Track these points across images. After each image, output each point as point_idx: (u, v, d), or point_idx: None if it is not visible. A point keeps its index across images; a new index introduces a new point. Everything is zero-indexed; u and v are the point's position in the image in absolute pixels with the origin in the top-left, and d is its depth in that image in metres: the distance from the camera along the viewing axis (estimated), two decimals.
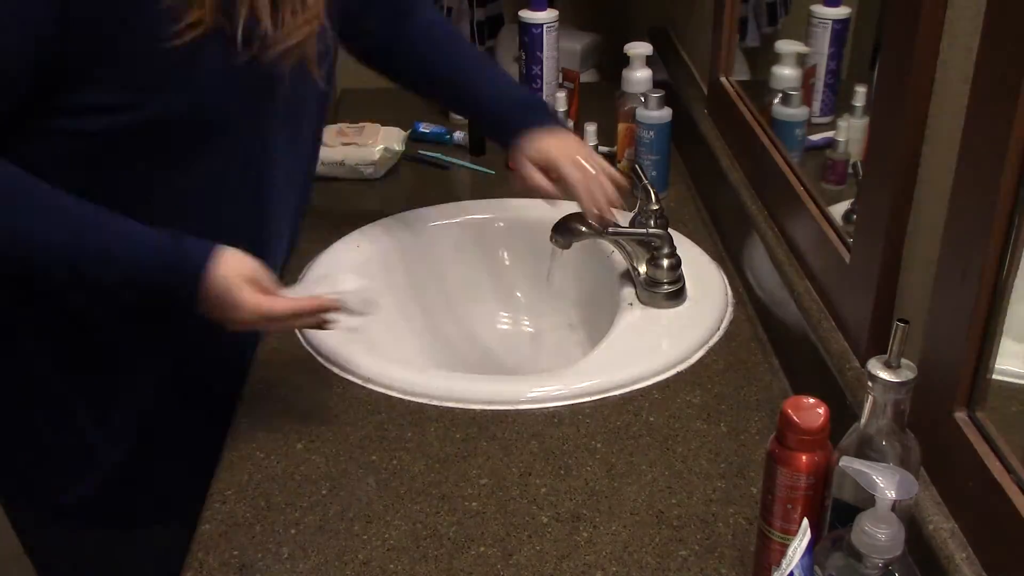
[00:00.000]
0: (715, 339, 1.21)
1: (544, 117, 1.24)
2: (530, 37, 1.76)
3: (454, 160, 1.71)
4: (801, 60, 1.25)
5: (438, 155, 1.73)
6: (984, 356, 0.74)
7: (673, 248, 1.25)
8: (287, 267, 1.35)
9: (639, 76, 1.56)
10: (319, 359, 1.18)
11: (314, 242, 1.41)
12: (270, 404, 1.11)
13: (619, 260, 1.31)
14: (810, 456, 0.75)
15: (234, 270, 0.95)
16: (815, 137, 1.21)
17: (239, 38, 0.93)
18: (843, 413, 0.83)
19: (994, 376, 0.75)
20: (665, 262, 1.24)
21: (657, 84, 1.59)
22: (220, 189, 1.04)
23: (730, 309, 1.26)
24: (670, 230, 1.29)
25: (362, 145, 1.63)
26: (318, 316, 1.00)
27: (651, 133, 1.49)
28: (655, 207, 1.29)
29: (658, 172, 1.52)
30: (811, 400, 0.76)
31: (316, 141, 1.19)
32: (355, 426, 1.07)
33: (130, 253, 0.93)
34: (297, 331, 1.22)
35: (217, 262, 0.94)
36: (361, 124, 1.69)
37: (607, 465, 1.01)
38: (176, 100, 0.94)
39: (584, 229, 1.27)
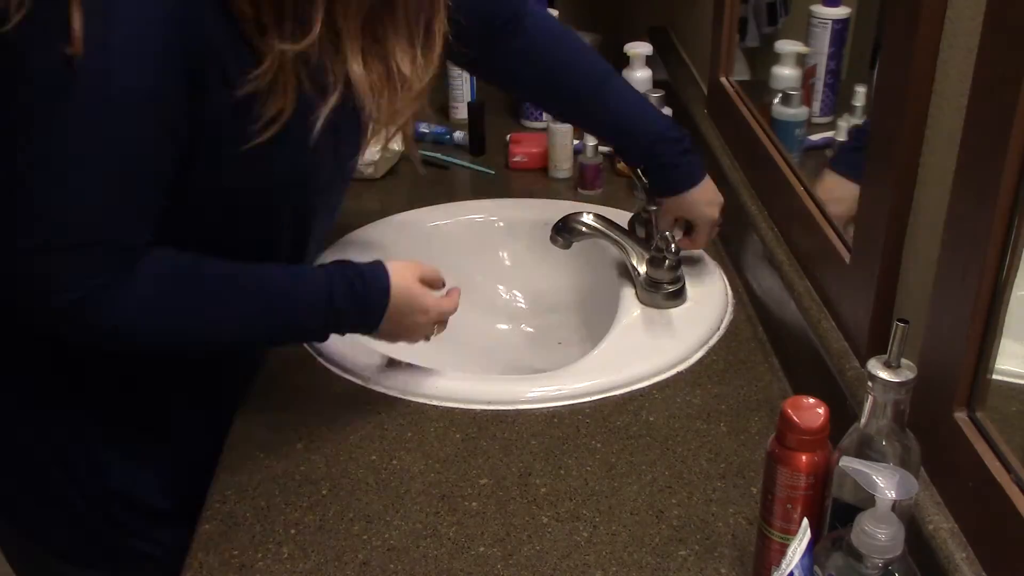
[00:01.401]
0: (715, 339, 1.21)
1: (679, 154, 1.21)
2: None
3: (454, 160, 1.71)
4: (801, 60, 1.25)
5: (438, 155, 1.73)
6: (984, 356, 0.74)
7: (673, 248, 1.25)
8: None
9: (639, 76, 1.57)
10: (319, 359, 1.18)
11: None
12: (270, 404, 1.11)
13: (619, 260, 1.31)
14: (810, 456, 0.75)
15: (410, 276, 1.02)
16: (815, 137, 1.21)
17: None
18: (843, 413, 0.83)
19: (994, 376, 0.75)
20: (665, 262, 1.24)
21: (657, 84, 1.59)
22: (272, 245, 1.03)
23: (730, 309, 1.26)
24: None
25: None
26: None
27: None
28: (655, 207, 1.29)
29: None
30: (811, 400, 0.76)
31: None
32: (355, 426, 1.07)
33: (315, 299, 0.97)
34: None
35: (393, 275, 1.00)
36: None
37: (607, 465, 1.01)
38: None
39: (584, 229, 1.27)
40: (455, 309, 1.08)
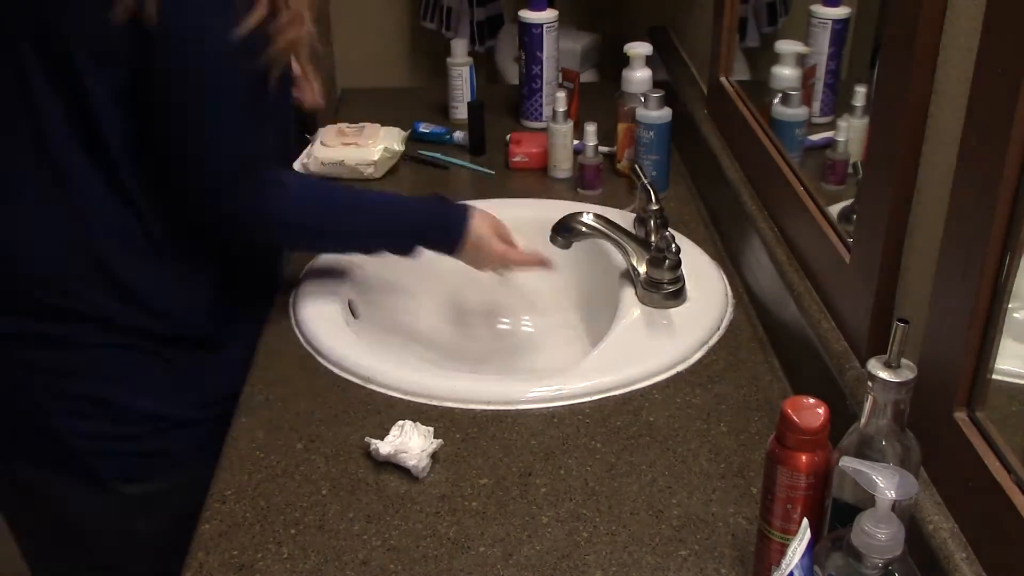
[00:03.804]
0: (715, 339, 1.21)
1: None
2: (530, 37, 1.76)
3: (454, 160, 1.71)
4: (801, 60, 1.24)
5: (438, 155, 1.73)
6: (984, 356, 0.74)
7: (673, 248, 1.25)
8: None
9: (639, 76, 1.56)
10: (319, 359, 1.18)
11: None
12: (270, 404, 1.11)
13: (619, 260, 1.31)
14: (810, 456, 0.75)
15: (486, 224, 1.24)
16: (815, 137, 1.21)
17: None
18: (843, 413, 0.83)
19: (994, 376, 0.75)
20: (665, 262, 1.24)
21: (657, 84, 1.59)
22: None
23: (730, 309, 1.26)
24: (670, 230, 1.29)
25: (362, 145, 1.63)
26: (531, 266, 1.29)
27: (651, 133, 1.49)
28: (655, 207, 1.29)
29: (658, 172, 1.52)
30: (811, 400, 0.76)
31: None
32: (355, 426, 1.07)
33: (414, 218, 1.22)
34: (299, 330, 1.22)
35: (473, 218, 1.22)
36: (361, 124, 1.69)
37: (607, 465, 1.01)
38: None
39: (584, 229, 1.27)
40: (519, 262, 1.28)
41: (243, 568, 0.89)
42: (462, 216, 1.22)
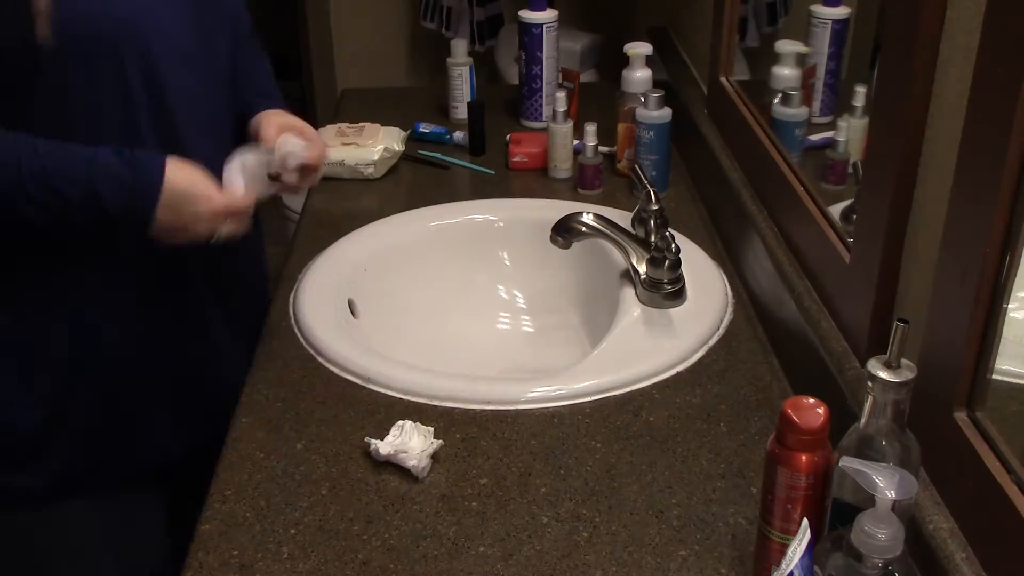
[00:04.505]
0: (715, 339, 1.21)
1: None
2: (530, 37, 1.76)
3: (454, 160, 1.71)
4: (801, 60, 1.25)
5: (438, 155, 1.73)
6: (984, 356, 0.74)
7: (673, 248, 1.25)
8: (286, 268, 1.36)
9: (639, 76, 1.56)
10: (319, 359, 1.18)
11: (315, 242, 1.41)
12: (270, 404, 1.11)
13: (619, 260, 1.31)
14: (810, 456, 0.75)
15: (185, 172, 1.01)
16: (815, 137, 1.21)
17: None
18: (843, 413, 0.83)
19: (994, 376, 0.75)
20: (665, 262, 1.24)
21: (657, 84, 1.59)
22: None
23: (730, 309, 1.26)
24: (670, 230, 1.29)
25: (362, 145, 1.63)
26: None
27: (651, 133, 1.49)
28: (655, 207, 1.30)
29: (658, 172, 1.52)
30: (811, 400, 0.76)
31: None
32: (355, 426, 1.07)
33: (88, 172, 0.97)
34: (299, 330, 1.22)
35: (168, 167, 0.99)
36: (361, 124, 1.70)
37: (607, 465, 1.01)
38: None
39: (584, 229, 1.27)
40: (247, 203, 1.06)
41: (243, 568, 0.89)
42: (155, 164, 1.00)
